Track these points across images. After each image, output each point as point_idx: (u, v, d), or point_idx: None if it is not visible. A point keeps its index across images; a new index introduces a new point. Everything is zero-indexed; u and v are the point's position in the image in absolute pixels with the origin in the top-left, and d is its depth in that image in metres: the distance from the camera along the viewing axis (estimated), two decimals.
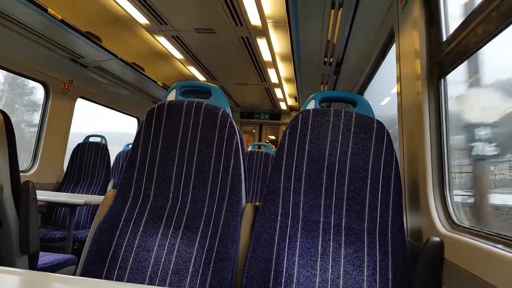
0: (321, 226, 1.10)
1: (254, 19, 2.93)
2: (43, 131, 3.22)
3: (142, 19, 3.04)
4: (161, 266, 1.05)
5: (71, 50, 3.12)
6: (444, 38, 1.18)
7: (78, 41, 2.98)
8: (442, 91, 1.18)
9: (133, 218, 1.12)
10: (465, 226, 0.96)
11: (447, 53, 1.13)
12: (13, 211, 1.54)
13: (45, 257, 1.81)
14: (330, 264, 1.05)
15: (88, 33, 3.00)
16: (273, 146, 4.00)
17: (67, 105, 3.44)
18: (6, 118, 1.56)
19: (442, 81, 1.18)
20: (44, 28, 2.68)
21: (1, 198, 1.47)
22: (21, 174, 1.62)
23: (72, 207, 2.35)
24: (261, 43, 3.46)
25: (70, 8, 2.73)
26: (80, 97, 3.63)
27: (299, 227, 1.10)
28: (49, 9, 2.43)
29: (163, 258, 1.06)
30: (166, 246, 1.08)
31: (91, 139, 3.51)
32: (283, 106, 6.52)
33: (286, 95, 5.83)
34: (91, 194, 3.17)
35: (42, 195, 2.25)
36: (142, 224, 1.11)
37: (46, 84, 3.20)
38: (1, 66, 2.72)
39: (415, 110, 1.25)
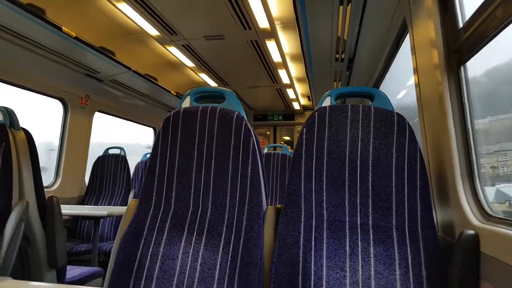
0: (347, 225, 1.07)
1: (262, 22, 2.93)
2: (64, 146, 3.30)
3: (153, 31, 3.09)
4: (186, 274, 1.04)
5: (87, 65, 3.18)
6: (461, 25, 1.15)
7: (93, 57, 3.04)
8: (463, 78, 1.14)
9: (156, 227, 1.13)
10: (501, 217, 0.92)
11: (465, 40, 1.09)
12: (40, 226, 1.58)
13: (72, 271, 1.84)
14: (360, 264, 1.02)
15: (102, 48, 3.07)
16: (289, 147, 3.97)
17: (85, 120, 3.51)
18: (29, 136, 1.61)
19: (462, 68, 1.14)
20: (59, 46, 2.75)
21: (27, 214, 1.50)
22: (45, 190, 1.66)
23: (96, 219, 2.39)
24: (270, 45, 3.45)
25: (83, 25, 2.80)
26: (98, 111, 3.71)
27: (324, 227, 1.08)
28: (63, 27, 2.50)
29: (188, 265, 1.05)
30: (191, 254, 1.07)
31: (111, 151, 3.58)
32: (296, 106, 6.48)
33: (298, 95, 5.80)
34: (113, 205, 3.22)
35: (66, 209, 2.30)
36: (166, 232, 1.12)
37: (64, 100, 3.28)
38: (18, 85, 2.80)
39: (436, 101, 1.22)
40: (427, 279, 0.97)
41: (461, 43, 1.12)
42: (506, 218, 0.89)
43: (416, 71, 1.46)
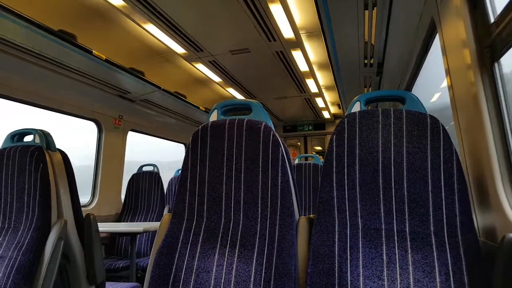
0: (383, 233, 1.04)
1: (287, 32, 2.93)
2: (100, 166, 3.43)
3: (179, 49, 3.17)
4: (221, 287, 1.04)
5: (118, 86, 3.31)
6: (492, 20, 1.10)
7: (124, 77, 3.16)
8: (498, 75, 1.09)
9: (190, 240, 1.14)
10: None
11: (498, 34, 1.04)
12: (78, 244, 1.64)
13: (111, 287, 1.88)
14: (398, 272, 0.98)
15: (132, 68, 3.19)
16: (320, 156, 3.91)
17: (119, 139, 3.65)
18: (65, 156, 1.68)
19: (496, 65, 1.09)
20: (90, 69, 2.87)
21: (66, 233, 1.56)
22: (82, 208, 1.72)
23: (132, 235, 2.44)
24: (296, 54, 3.44)
25: (113, 47, 2.92)
26: (131, 130, 3.84)
27: (360, 236, 1.05)
28: (93, 51, 2.62)
29: (223, 278, 1.05)
30: (225, 266, 1.07)
31: (144, 169, 3.68)
32: (326, 115, 6.39)
33: (328, 103, 5.72)
34: (149, 221, 3.29)
35: (104, 227, 2.37)
36: (199, 245, 1.12)
37: (98, 122, 3.42)
38: (53, 109, 2.95)
39: (471, 101, 1.17)
40: (470, 285, 0.92)
41: (493, 38, 1.07)
42: None
43: (448, 72, 1.41)
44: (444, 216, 1.01)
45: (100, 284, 1.69)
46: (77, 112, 3.16)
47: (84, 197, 3.35)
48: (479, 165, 1.13)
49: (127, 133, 3.76)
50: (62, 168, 1.63)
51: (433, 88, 2.73)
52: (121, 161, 3.67)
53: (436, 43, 1.80)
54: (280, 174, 1.12)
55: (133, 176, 3.55)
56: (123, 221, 3.36)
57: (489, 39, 1.10)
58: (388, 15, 2.32)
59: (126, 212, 3.42)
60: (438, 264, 0.96)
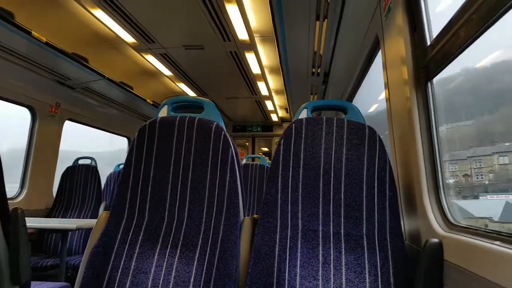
0: (320, 234, 1.09)
1: (242, 34, 2.96)
2: (31, 156, 3.16)
3: (129, 38, 3.04)
4: None
5: (58, 72, 3.10)
6: (428, 43, 1.20)
7: (64, 63, 2.96)
8: (430, 94, 1.19)
9: (129, 240, 1.10)
10: (462, 225, 0.96)
11: (432, 57, 1.15)
12: (2, 240, 1.49)
13: (37, 287, 1.75)
14: (332, 273, 1.03)
15: (75, 54, 3.00)
16: (267, 158, 3.99)
17: (54, 128, 3.39)
18: None
19: (429, 84, 1.20)
20: (28, 51, 2.66)
21: None
22: (9, 201, 1.57)
23: (64, 232, 2.28)
24: (250, 57, 3.48)
25: (55, 30, 2.73)
26: (68, 120, 3.59)
27: (299, 237, 1.09)
28: (33, 32, 2.41)
29: (161, 279, 1.03)
30: (164, 267, 1.05)
31: (81, 162, 3.45)
32: (274, 117, 6.54)
33: (277, 106, 5.86)
34: (83, 218, 3.09)
35: (32, 222, 2.19)
36: (138, 245, 1.09)
37: (32, 108, 3.15)
38: None
39: (405, 115, 1.27)
40: (395, 286, 1.00)
41: (428, 60, 1.18)
42: (468, 226, 0.93)
43: (387, 86, 1.52)
44: (376, 220, 1.08)
45: (25, 284, 1.56)
46: (8, 96, 2.89)
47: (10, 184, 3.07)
48: (409, 174, 1.23)
49: (63, 122, 3.51)
50: None
51: (372, 99, 2.93)
52: (55, 152, 3.41)
53: (378, 58, 1.93)
54: (228, 175, 1.13)
55: (67, 169, 3.31)
56: (54, 217, 3.12)
57: (424, 60, 1.20)
58: (337, 28, 2.44)
59: (58, 207, 3.18)
60: (368, 266, 1.03)
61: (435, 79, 1.18)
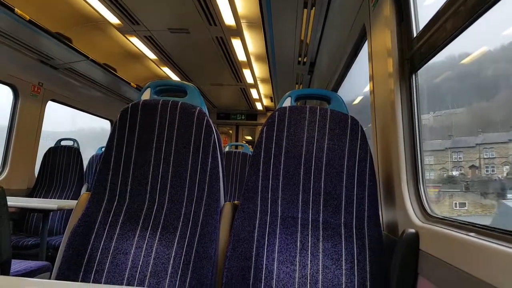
0: (299, 221, 1.11)
1: (228, 19, 2.94)
2: (13, 135, 3.10)
3: (113, 19, 2.98)
4: (139, 269, 1.03)
5: (40, 51, 3.02)
6: (415, 35, 1.21)
7: (48, 42, 2.88)
8: (414, 86, 1.21)
9: (109, 221, 1.10)
10: (439, 216, 0.99)
11: (417, 49, 1.16)
12: None
13: (17, 265, 1.75)
14: (309, 259, 1.06)
15: (58, 33, 2.92)
16: (250, 146, 4.02)
17: (37, 108, 3.32)
18: None
19: (414, 76, 1.21)
20: (10, 29, 2.58)
21: None
22: None
23: (45, 212, 2.27)
24: (236, 43, 3.47)
25: (39, 8, 2.63)
26: (51, 100, 3.52)
27: (278, 223, 1.11)
28: (16, 9, 2.34)
29: (141, 260, 1.04)
30: (144, 248, 1.06)
31: (63, 143, 3.40)
32: (259, 106, 6.54)
33: (261, 95, 5.86)
34: (64, 199, 3.07)
35: (13, 201, 2.17)
36: (118, 227, 1.09)
37: (14, 87, 3.08)
38: None
39: (388, 107, 1.28)
40: (371, 274, 1.03)
41: (413, 52, 1.19)
42: (444, 217, 0.96)
43: (372, 78, 1.53)
44: (354, 209, 1.11)
45: (5, 261, 1.56)
46: None
47: None
48: (389, 166, 1.25)
49: (46, 102, 3.43)
50: None
51: (358, 91, 2.98)
52: (37, 132, 3.35)
53: (364, 50, 1.94)
54: (210, 160, 1.13)
55: (49, 149, 3.27)
56: (36, 197, 3.09)
57: (410, 52, 1.21)
58: (325, 16, 2.45)
59: (40, 188, 3.14)
60: (345, 253, 1.06)
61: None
